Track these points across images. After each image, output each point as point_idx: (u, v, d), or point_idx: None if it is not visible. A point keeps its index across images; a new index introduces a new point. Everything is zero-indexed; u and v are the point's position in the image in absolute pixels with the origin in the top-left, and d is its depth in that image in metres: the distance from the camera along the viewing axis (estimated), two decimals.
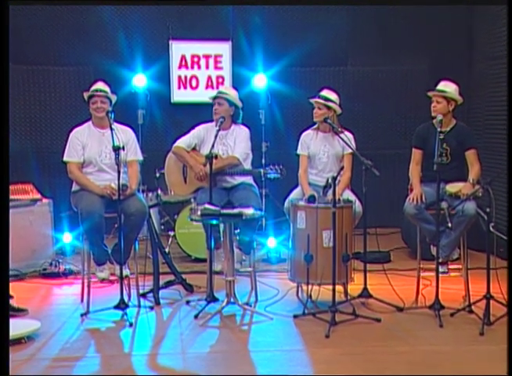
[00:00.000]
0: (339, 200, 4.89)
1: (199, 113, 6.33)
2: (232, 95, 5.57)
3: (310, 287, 4.91)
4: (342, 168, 5.12)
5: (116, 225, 5.64)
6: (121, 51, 7.62)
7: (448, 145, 5.06)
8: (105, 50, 7.62)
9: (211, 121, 5.57)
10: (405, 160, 5.36)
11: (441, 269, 4.87)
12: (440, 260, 4.86)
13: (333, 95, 5.51)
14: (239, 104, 5.58)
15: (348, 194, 5.30)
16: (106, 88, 5.19)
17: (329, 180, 4.69)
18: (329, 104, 5.44)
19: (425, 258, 5.21)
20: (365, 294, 5.01)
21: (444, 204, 4.90)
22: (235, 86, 6.67)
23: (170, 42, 7.68)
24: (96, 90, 5.13)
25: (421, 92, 5.67)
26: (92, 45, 7.59)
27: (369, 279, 5.07)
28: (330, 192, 4.70)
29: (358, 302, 4.98)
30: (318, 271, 4.83)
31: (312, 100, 5.51)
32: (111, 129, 4.80)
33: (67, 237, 6.62)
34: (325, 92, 5.52)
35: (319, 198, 5.01)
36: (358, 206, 5.14)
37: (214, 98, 5.55)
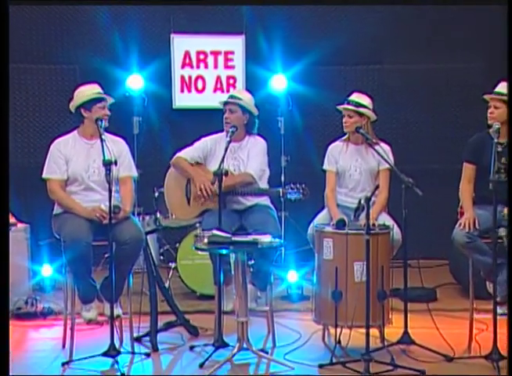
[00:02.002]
0: (374, 225, 4.91)
1: (206, 121, 6.40)
2: (247, 100, 5.60)
3: (339, 330, 4.91)
4: (377, 187, 5.15)
5: (106, 256, 5.69)
6: (113, 46, 7.69)
7: (508, 159, 5.07)
8: (93, 45, 7.70)
9: (221, 130, 5.61)
10: (455, 177, 5.36)
11: (499, 311, 4.82)
12: (498, 299, 4.83)
13: (365, 100, 5.52)
14: (255, 111, 5.61)
15: (385, 218, 5.31)
16: None
17: (362, 201, 4.70)
18: (361, 110, 5.45)
19: (479, 296, 5.22)
20: (405, 339, 5.01)
21: (502, 231, 4.89)
22: (249, 89, 6.72)
23: (171, 36, 7.76)
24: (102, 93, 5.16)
25: (475, 95, 5.70)
26: (78, 39, 7.66)
27: (411, 321, 5.06)
28: (363, 215, 4.71)
29: (398, 349, 4.96)
30: (348, 311, 4.82)
31: (341, 107, 5.52)
32: (101, 140, 4.83)
33: (47, 270, 6.64)
34: (355, 97, 5.52)
35: (350, 223, 5.02)
36: (396, 233, 5.13)
37: (225, 103, 5.59)
